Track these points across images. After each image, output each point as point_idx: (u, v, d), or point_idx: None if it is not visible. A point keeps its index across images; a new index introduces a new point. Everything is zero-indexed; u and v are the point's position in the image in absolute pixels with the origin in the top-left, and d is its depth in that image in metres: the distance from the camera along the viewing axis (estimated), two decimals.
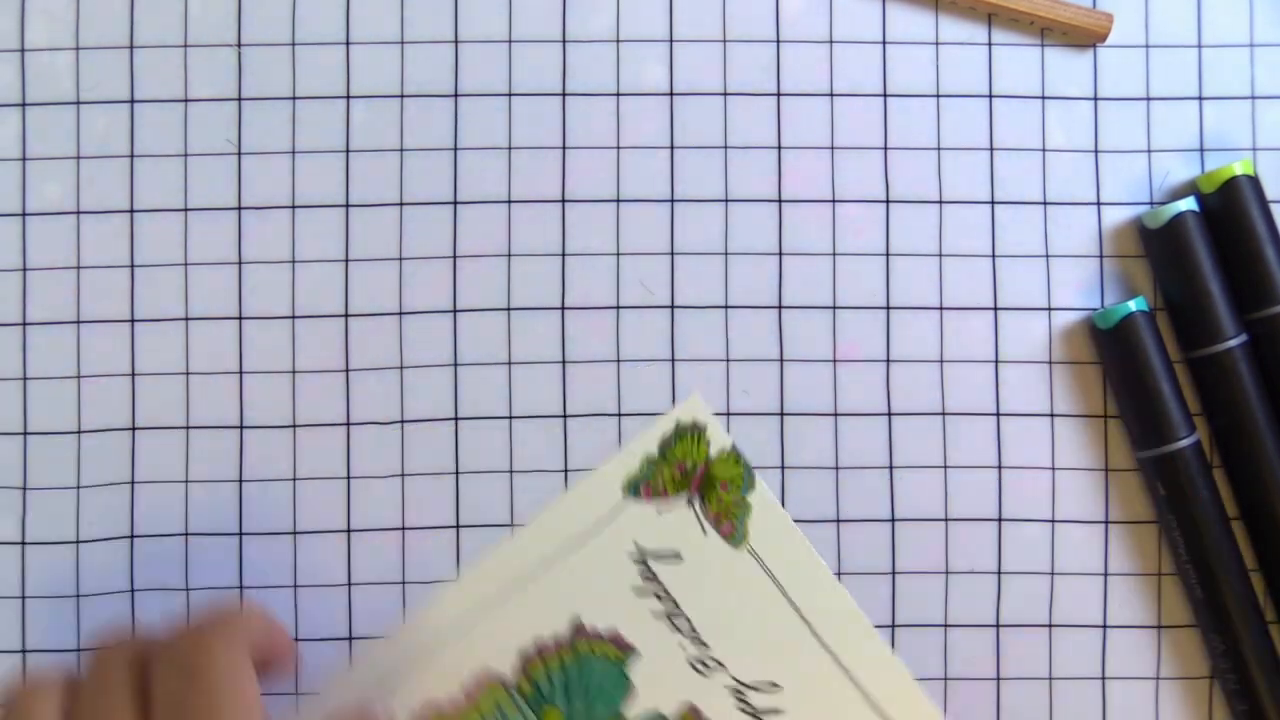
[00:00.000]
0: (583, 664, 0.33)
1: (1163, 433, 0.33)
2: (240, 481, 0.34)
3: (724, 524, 0.34)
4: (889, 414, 0.35)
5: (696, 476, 0.34)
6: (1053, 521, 0.34)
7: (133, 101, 0.34)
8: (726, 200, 0.35)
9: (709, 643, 0.34)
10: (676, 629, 0.34)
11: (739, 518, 0.34)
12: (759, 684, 0.34)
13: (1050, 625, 0.34)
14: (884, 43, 0.35)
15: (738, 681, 0.33)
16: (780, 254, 0.35)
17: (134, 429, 0.34)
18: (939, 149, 0.35)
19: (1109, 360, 0.34)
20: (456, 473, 0.34)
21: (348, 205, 0.34)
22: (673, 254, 0.35)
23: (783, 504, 0.34)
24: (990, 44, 0.35)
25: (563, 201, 0.35)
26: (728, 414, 0.34)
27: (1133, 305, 0.33)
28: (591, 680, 0.33)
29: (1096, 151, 0.35)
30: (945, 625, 0.34)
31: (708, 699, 0.33)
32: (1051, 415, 0.34)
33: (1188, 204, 0.33)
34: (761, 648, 0.34)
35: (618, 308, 0.35)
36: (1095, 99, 0.35)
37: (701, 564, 0.34)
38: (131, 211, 0.34)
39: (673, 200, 0.35)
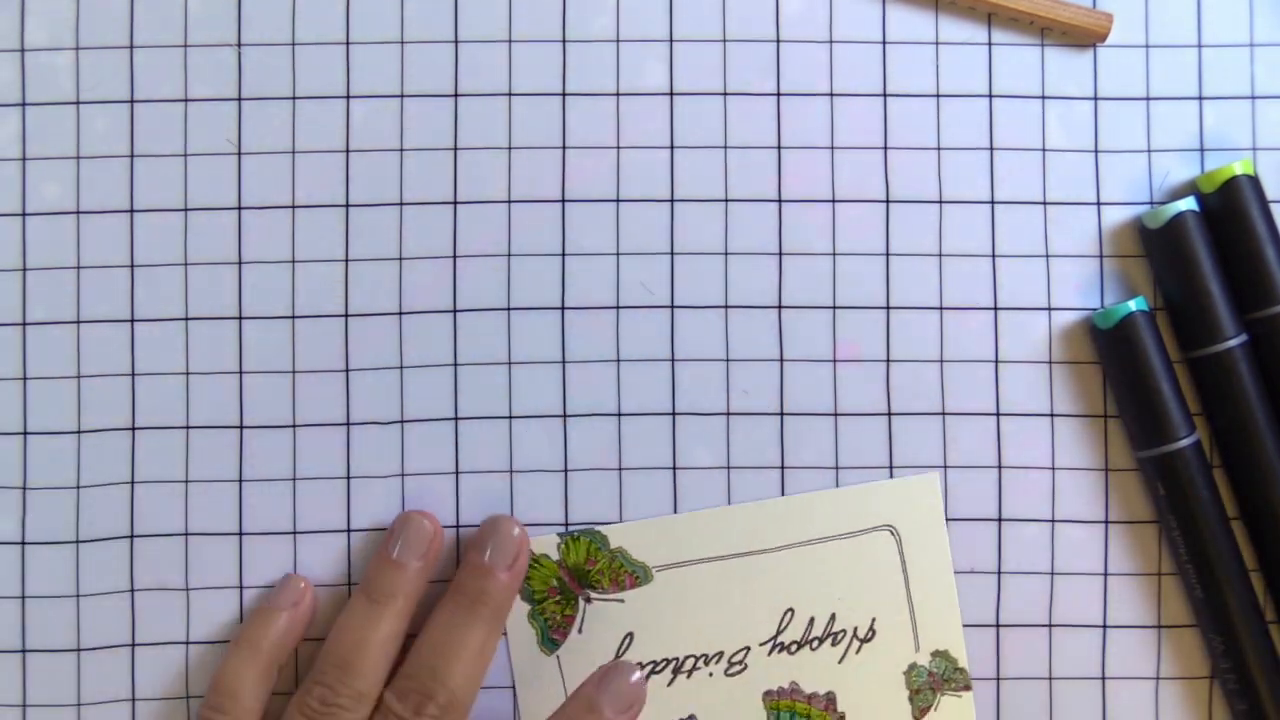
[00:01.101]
0: None
1: (1163, 433, 0.33)
2: (240, 481, 0.34)
3: (625, 580, 0.34)
4: (889, 414, 0.35)
5: (569, 582, 0.34)
6: (1053, 521, 0.34)
7: (133, 101, 0.34)
8: (726, 200, 0.35)
9: (729, 651, 0.34)
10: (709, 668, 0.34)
11: (624, 567, 0.34)
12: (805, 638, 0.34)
13: (1050, 625, 0.34)
14: (884, 43, 0.35)
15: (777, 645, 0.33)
16: (780, 254, 0.35)
17: (134, 429, 0.34)
18: (939, 149, 0.35)
19: (1109, 360, 0.34)
20: (456, 473, 0.34)
21: (348, 205, 0.34)
22: (673, 254, 0.35)
23: None
24: (990, 44, 0.35)
25: (563, 201, 0.35)
26: (727, 414, 0.34)
27: (1133, 305, 0.33)
28: None
29: (1096, 151, 0.35)
30: None
31: (774, 676, 0.34)
32: (1051, 415, 0.34)
33: (1188, 204, 0.33)
34: (754, 615, 0.34)
35: (618, 308, 0.35)
36: (1095, 99, 0.35)
37: (650, 623, 0.34)
38: (131, 211, 0.34)
39: (673, 200, 0.35)
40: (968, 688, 0.34)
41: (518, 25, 0.35)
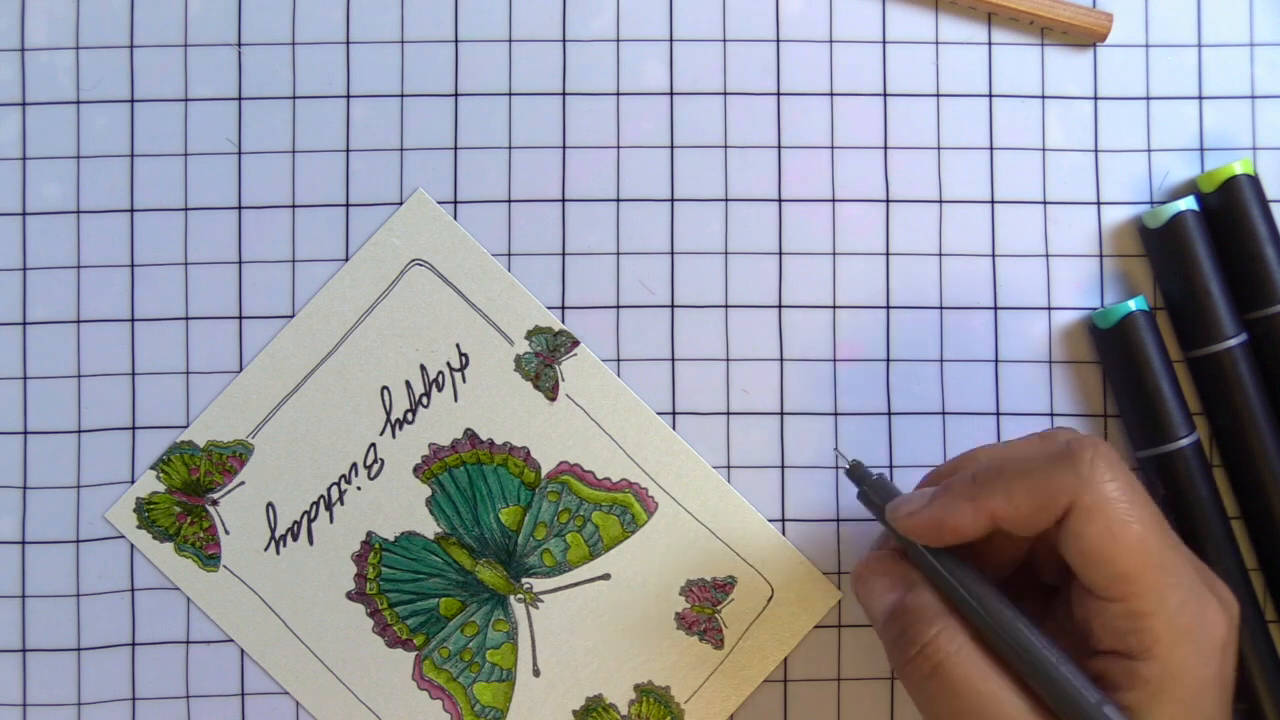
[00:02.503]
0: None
1: (1163, 432, 0.33)
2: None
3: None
4: (889, 414, 0.35)
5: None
6: None
7: (133, 101, 0.34)
8: (726, 200, 0.35)
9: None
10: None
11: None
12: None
13: None
14: (884, 43, 0.35)
15: None
16: (780, 254, 0.35)
17: (134, 429, 0.34)
18: (939, 149, 0.35)
19: (1109, 360, 0.34)
20: None
21: (348, 205, 0.34)
22: (673, 254, 0.35)
23: (783, 502, 0.34)
24: (990, 44, 0.35)
25: (563, 201, 0.35)
26: (727, 413, 0.34)
27: (1133, 305, 0.33)
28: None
29: (1096, 151, 0.35)
30: None
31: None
32: (1051, 415, 0.34)
33: (1188, 203, 0.33)
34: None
35: (618, 308, 0.35)
36: (1095, 99, 0.35)
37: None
38: (131, 211, 0.34)
39: (673, 200, 0.35)
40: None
41: (518, 25, 0.35)
